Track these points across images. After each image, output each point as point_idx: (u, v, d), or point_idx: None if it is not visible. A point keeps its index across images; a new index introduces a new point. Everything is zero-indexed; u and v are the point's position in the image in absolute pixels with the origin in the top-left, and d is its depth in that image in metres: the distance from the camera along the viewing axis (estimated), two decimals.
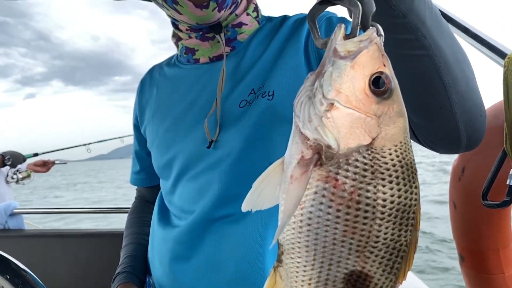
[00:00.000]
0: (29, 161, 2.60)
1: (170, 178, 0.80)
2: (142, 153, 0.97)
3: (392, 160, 0.34)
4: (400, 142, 0.35)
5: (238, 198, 0.65)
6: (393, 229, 0.35)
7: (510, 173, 0.92)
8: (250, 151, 0.69)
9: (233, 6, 0.74)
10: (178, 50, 0.84)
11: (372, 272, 0.36)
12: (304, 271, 0.37)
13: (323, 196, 0.34)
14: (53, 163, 2.73)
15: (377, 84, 0.35)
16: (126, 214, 1.04)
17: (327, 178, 0.34)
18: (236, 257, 0.68)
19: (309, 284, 0.37)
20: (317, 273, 0.36)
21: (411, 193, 0.35)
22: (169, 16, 0.77)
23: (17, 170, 2.47)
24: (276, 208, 0.38)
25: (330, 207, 0.34)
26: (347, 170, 0.34)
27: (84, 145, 3.03)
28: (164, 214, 0.84)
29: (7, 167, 2.39)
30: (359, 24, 0.36)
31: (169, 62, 0.90)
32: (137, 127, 0.95)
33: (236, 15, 0.76)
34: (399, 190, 0.34)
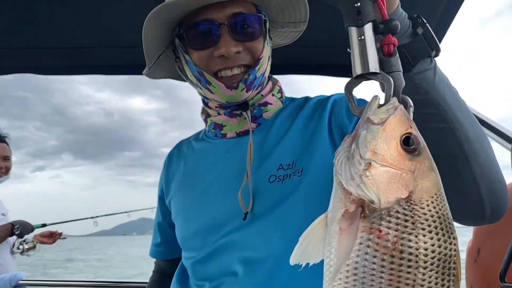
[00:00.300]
0: (37, 231, 2.58)
1: (197, 248, 0.81)
2: (165, 225, 0.99)
3: (430, 211, 0.37)
4: (436, 194, 0.38)
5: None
6: (436, 278, 0.37)
7: None
8: (284, 223, 0.72)
9: (259, 88, 0.81)
10: (206, 126, 0.91)
11: None
12: None
13: (368, 246, 0.37)
14: (60, 234, 2.69)
15: (407, 143, 0.40)
16: None
17: (371, 229, 0.37)
18: None
19: None
20: None
21: (450, 243, 0.38)
22: (201, 94, 0.85)
23: (24, 241, 2.44)
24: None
25: (375, 256, 0.37)
26: (390, 222, 0.37)
27: (92, 218, 3.03)
28: (185, 286, 0.84)
29: (14, 237, 2.38)
30: (391, 96, 0.42)
31: (197, 137, 0.96)
32: (162, 198, 0.98)
33: (262, 95, 0.83)
34: (439, 240, 0.37)
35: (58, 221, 2.84)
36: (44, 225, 2.71)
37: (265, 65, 0.79)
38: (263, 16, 0.78)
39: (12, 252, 2.41)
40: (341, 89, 0.50)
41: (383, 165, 0.38)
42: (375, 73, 0.45)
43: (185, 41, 0.77)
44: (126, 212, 3.22)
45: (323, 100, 0.83)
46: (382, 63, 0.45)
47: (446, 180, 0.57)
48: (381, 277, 0.37)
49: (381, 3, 0.46)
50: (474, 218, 0.60)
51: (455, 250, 0.38)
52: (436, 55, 0.55)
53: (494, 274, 1.03)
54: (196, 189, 0.85)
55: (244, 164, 0.77)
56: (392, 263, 0.37)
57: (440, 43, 0.57)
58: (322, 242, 0.41)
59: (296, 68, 1.59)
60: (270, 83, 0.86)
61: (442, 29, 1.19)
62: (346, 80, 0.47)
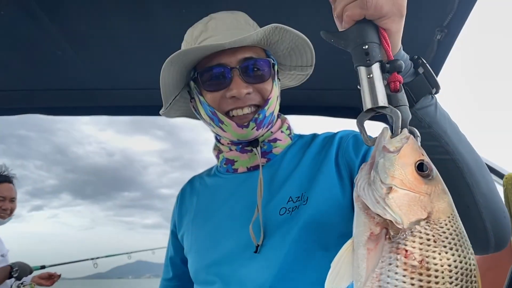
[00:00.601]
0: (35, 273, 2.51)
1: (209, 282, 0.82)
2: (177, 260, 1.00)
3: (448, 229, 0.41)
4: (451, 214, 0.42)
5: None
6: None
7: None
8: (294, 253, 0.74)
9: (269, 126, 0.86)
10: (218, 162, 0.94)
11: None
12: None
13: (397, 266, 0.40)
14: (59, 276, 2.62)
15: (421, 169, 0.44)
16: None
17: (398, 249, 0.40)
18: None
19: None
20: None
21: (470, 259, 0.41)
22: (214, 132, 0.90)
23: (21, 283, 2.38)
24: None
25: (404, 276, 0.40)
26: (414, 241, 0.40)
27: (92, 259, 2.97)
28: None
29: (12, 279, 2.32)
30: (400, 127, 0.47)
31: (209, 173, 0.99)
32: (174, 233, 1.00)
33: (272, 132, 0.88)
34: (459, 256, 0.41)
35: (57, 263, 2.77)
36: (43, 267, 2.63)
37: (274, 104, 0.84)
38: (272, 60, 0.84)
39: None
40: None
41: (403, 189, 0.42)
42: (383, 107, 0.49)
43: (199, 84, 0.82)
44: (126, 253, 3.15)
45: (330, 137, 0.87)
46: (389, 99, 0.50)
47: None
48: None
49: (387, 45, 0.52)
50: (479, 246, 0.62)
51: (474, 265, 0.41)
52: (436, 92, 0.60)
53: None
54: (209, 224, 0.87)
55: (255, 198, 0.80)
56: (420, 280, 0.39)
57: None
58: (351, 266, 0.43)
59: (303, 109, 1.68)
60: (279, 120, 0.91)
61: (436, 66, 1.29)
62: (348, 120, 0.52)
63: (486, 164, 1.18)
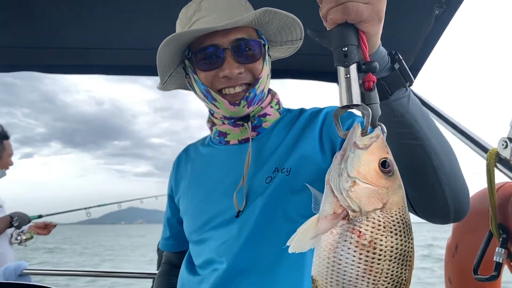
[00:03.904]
0: (33, 222, 2.68)
1: (200, 242, 0.93)
2: (173, 220, 1.11)
3: (397, 219, 0.50)
4: (402, 206, 0.51)
5: (259, 255, 0.82)
6: (397, 268, 0.50)
7: (496, 250, 1.10)
8: (269, 215, 0.84)
9: (260, 102, 0.92)
10: (212, 133, 1.02)
11: None
12: None
13: (350, 243, 0.49)
14: (55, 226, 2.80)
15: (384, 166, 0.52)
16: (140, 280, 1.14)
17: (353, 230, 0.49)
18: None
19: None
20: None
21: (409, 243, 0.51)
22: (207, 107, 0.96)
23: (22, 231, 2.53)
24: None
25: (355, 251, 0.49)
26: (367, 225, 0.49)
27: (85, 208, 3.13)
28: (191, 268, 0.96)
29: (12, 228, 2.46)
30: (370, 123, 0.54)
31: (203, 143, 1.07)
32: (171, 197, 1.10)
33: (262, 107, 0.94)
34: (401, 240, 0.50)
35: (54, 212, 2.94)
36: (40, 216, 2.79)
37: (264, 82, 0.89)
38: (263, 41, 0.88)
39: (11, 243, 2.50)
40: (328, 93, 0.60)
41: (365, 183, 0.50)
42: (357, 105, 0.56)
43: (193, 63, 0.87)
44: (117, 202, 3.32)
45: (316, 112, 0.94)
46: (363, 96, 0.56)
47: (418, 187, 0.70)
48: (358, 267, 0.49)
49: (364, 48, 0.57)
50: (440, 218, 0.74)
51: (412, 248, 0.51)
52: (410, 85, 0.66)
53: (470, 268, 1.18)
54: (202, 190, 0.96)
55: (243, 169, 0.88)
56: (367, 256, 0.49)
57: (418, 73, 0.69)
58: (313, 235, 0.52)
59: (296, 73, 1.75)
60: (269, 96, 0.97)
61: (432, 40, 1.34)
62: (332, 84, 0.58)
63: (471, 138, 1.26)
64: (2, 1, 1.23)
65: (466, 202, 0.73)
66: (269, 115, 0.96)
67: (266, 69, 0.90)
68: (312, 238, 0.52)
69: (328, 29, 0.58)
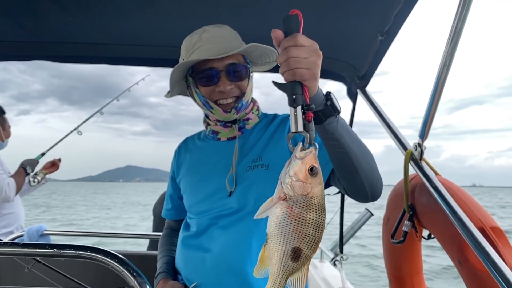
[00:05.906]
0: (40, 163, 2.92)
1: (198, 213, 1.26)
2: (175, 196, 1.44)
3: (316, 203, 0.84)
4: (319, 195, 0.85)
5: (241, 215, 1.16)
6: (314, 231, 0.85)
7: (405, 223, 1.48)
8: (251, 197, 1.17)
9: (245, 109, 1.24)
10: (206, 131, 1.34)
11: (304, 249, 0.85)
12: (276, 247, 0.86)
13: (287, 214, 0.84)
14: (59, 160, 3.03)
15: (311, 170, 0.86)
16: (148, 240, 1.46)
17: (288, 207, 0.84)
18: (234, 248, 1.16)
19: (278, 253, 0.86)
20: (282, 248, 0.85)
21: (322, 218, 0.85)
22: (204, 112, 1.28)
23: (35, 174, 2.79)
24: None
25: (289, 219, 0.84)
26: (297, 205, 0.83)
27: (75, 129, 3.31)
28: (188, 230, 1.31)
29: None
30: (308, 142, 0.87)
31: (199, 137, 1.40)
32: (173, 178, 1.43)
33: (246, 113, 1.27)
34: (317, 216, 0.84)
35: (51, 146, 3.12)
36: (43, 154, 3.00)
37: (249, 95, 1.22)
38: (248, 64, 1.19)
39: (31, 186, 2.74)
40: None
41: (298, 180, 0.84)
42: (301, 132, 0.88)
43: (196, 80, 1.17)
44: (98, 111, 3.45)
45: (286, 118, 1.28)
46: (305, 125, 0.88)
47: (346, 179, 1.06)
48: (290, 228, 0.84)
49: (306, 96, 0.87)
50: (362, 199, 1.08)
51: (324, 221, 0.85)
52: (338, 114, 0.96)
53: None
54: (198, 174, 1.30)
55: (231, 159, 1.21)
56: (296, 224, 0.83)
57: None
58: (268, 209, 0.86)
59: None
60: (251, 103, 1.29)
61: (378, 58, 1.68)
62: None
63: (399, 138, 1.62)
64: (20, 2, 1.44)
65: (379, 188, 1.08)
66: (251, 119, 1.29)
67: (250, 85, 1.22)
68: (268, 209, 0.87)
69: (285, 82, 0.89)
